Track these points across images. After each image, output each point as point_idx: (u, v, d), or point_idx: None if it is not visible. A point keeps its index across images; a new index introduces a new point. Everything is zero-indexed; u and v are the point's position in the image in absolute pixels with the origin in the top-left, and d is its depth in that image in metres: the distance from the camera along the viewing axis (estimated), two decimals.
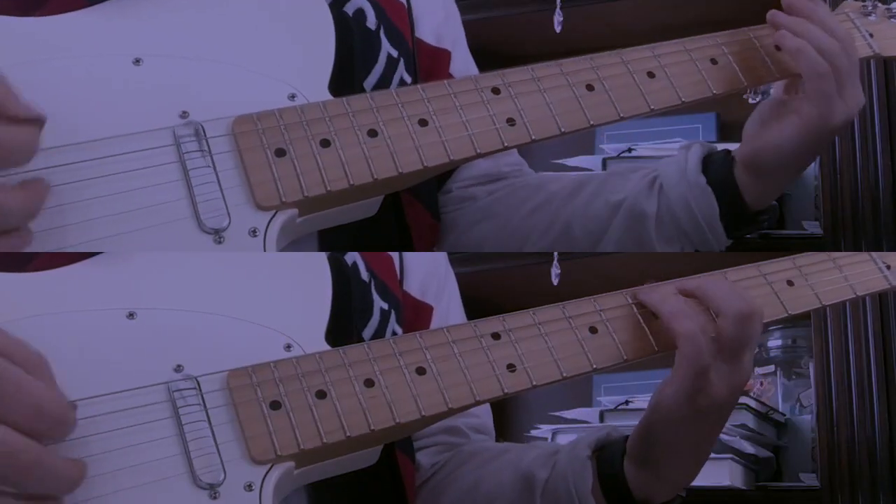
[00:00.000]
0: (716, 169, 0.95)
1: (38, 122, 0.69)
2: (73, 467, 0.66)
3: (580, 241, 1.00)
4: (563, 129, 0.85)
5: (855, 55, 0.93)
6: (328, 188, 0.77)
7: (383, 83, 0.94)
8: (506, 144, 0.83)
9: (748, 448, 1.73)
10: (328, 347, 0.78)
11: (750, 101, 1.86)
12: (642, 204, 0.97)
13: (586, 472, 0.88)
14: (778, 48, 0.94)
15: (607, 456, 0.89)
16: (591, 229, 0.99)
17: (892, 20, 1.01)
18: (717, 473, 1.71)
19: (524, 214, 1.03)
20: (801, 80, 0.93)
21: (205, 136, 0.76)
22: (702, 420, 0.85)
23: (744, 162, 0.94)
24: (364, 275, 0.91)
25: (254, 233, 0.75)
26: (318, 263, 0.84)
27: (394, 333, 0.91)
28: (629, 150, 1.85)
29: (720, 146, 0.99)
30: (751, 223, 0.97)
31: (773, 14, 0.94)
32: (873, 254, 1.02)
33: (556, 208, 1.02)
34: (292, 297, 0.82)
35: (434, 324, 0.99)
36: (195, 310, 0.78)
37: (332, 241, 0.86)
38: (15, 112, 0.68)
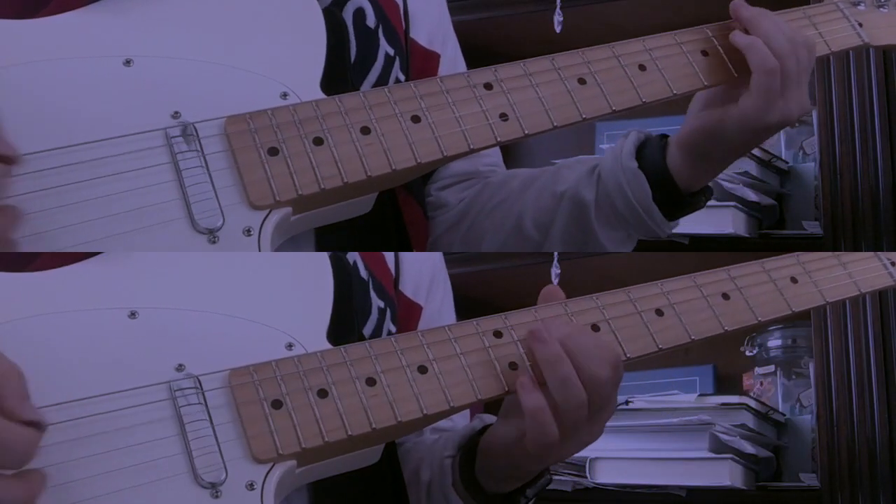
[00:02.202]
0: (649, 153, 0.96)
1: (40, 425, 0.67)
2: (24, 489, 0.65)
3: (530, 234, 1.01)
4: (555, 124, 0.85)
5: (808, 61, 0.92)
6: (322, 186, 0.77)
7: (381, 82, 0.94)
8: (499, 139, 0.83)
9: (748, 448, 1.73)
10: (330, 346, 0.78)
11: (747, 353, 1.88)
12: (582, 192, 0.98)
13: (446, 473, 0.90)
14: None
15: (467, 454, 0.90)
16: (540, 221, 1.01)
17: (882, 9, 1.01)
18: (717, 473, 1.71)
19: (486, 213, 1.04)
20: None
21: (197, 136, 0.76)
22: (547, 461, 0.85)
23: (679, 141, 0.95)
24: (363, 274, 0.91)
25: (248, 232, 0.75)
26: (319, 263, 0.84)
27: (389, 332, 0.92)
28: None
29: None
30: (686, 205, 0.97)
31: (736, 6, 0.94)
32: (879, 253, 1.02)
33: (510, 204, 1.03)
34: (294, 296, 0.82)
35: (422, 323, 0.99)
36: (197, 309, 0.78)
37: (330, 241, 0.86)
38: (19, 413, 0.66)
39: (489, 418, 0.91)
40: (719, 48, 0.93)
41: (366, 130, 0.80)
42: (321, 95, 0.81)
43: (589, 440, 0.83)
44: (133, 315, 0.76)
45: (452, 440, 0.92)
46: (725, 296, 0.91)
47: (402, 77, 0.97)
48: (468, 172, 1.07)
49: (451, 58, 1.08)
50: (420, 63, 1.03)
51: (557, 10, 1.85)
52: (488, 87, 0.84)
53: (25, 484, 0.65)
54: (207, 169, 0.75)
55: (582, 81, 0.87)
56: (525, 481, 0.89)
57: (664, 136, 0.97)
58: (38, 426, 0.66)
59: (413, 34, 1.02)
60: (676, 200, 0.96)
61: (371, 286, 0.91)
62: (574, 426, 0.80)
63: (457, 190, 1.07)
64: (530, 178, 1.04)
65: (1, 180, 0.69)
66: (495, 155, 1.10)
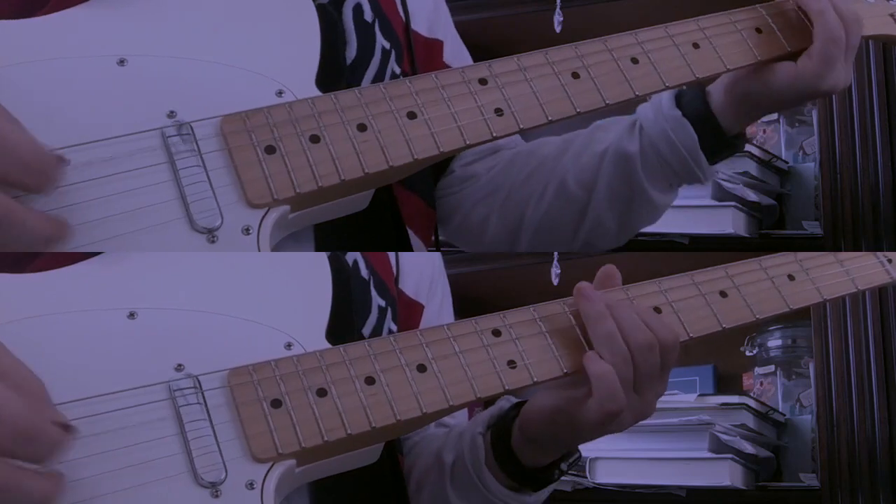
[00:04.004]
0: (689, 102, 0.99)
1: (68, 428, 0.66)
2: (47, 486, 0.64)
3: (575, 193, 1.02)
4: (550, 118, 0.85)
5: (858, 38, 0.95)
6: (319, 184, 0.77)
7: (379, 76, 0.94)
8: (494, 134, 0.83)
9: (748, 448, 1.73)
10: (329, 346, 0.78)
11: (747, 353, 1.89)
12: (625, 146, 1.00)
13: (478, 449, 0.90)
14: (759, 31, 0.96)
15: (499, 429, 0.90)
16: (583, 180, 1.02)
17: (869, 0, 1.01)
18: (717, 473, 1.71)
19: (521, 181, 1.05)
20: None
21: (193, 135, 0.76)
22: (606, 429, 0.85)
23: (726, 87, 0.97)
24: (364, 273, 0.91)
25: (247, 231, 0.74)
26: (317, 262, 0.84)
27: (390, 331, 0.92)
28: None
29: None
30: (728, 147, 1.00)
31: None
32: (877, 253, 1.02)
33: (549, 169, 1.04)
34: (293, 296, 0.82)
35: (424, 322, 0.99)
36: (196, 309, 0.78)
37: (330, 240, 0.86)
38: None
39: (515, 399, 0.91)
40: (710, 41, 0.93)
41: (362, 127, 0.79)
42: (317, 93, 0.81)
43: (645, 411, 0.85)
44: (132, 315, 0.76)
45: (481, 419, 0.92)
46: (723, 293, 0.91)
47: (398, 70, 0.97)
48: (490, 147, 1.08)
49: (453, 42, 1.09)
50: (424, 53, 1.03)
51: (557, 10, 1.85)
52: (483, 82, 0.84)
53: (49, 480, 0.65)
54: (205, 168, 0.75)
55: (575, 75, 0.87)
56: (558, 455, 0.90)
57: (700, 86, 0.99)
58: (66, 429, 0.66)
59: (414, 25, 1.03)
60: (718, 144, 0.99)
61: (372, 285, 0.91)
62: (626, 385, 0.82)
63: (484, 162, 1.08)
64: (564, 142, 1.05)
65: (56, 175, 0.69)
66: None
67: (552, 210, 1.03)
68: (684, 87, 1.00)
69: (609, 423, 0.83)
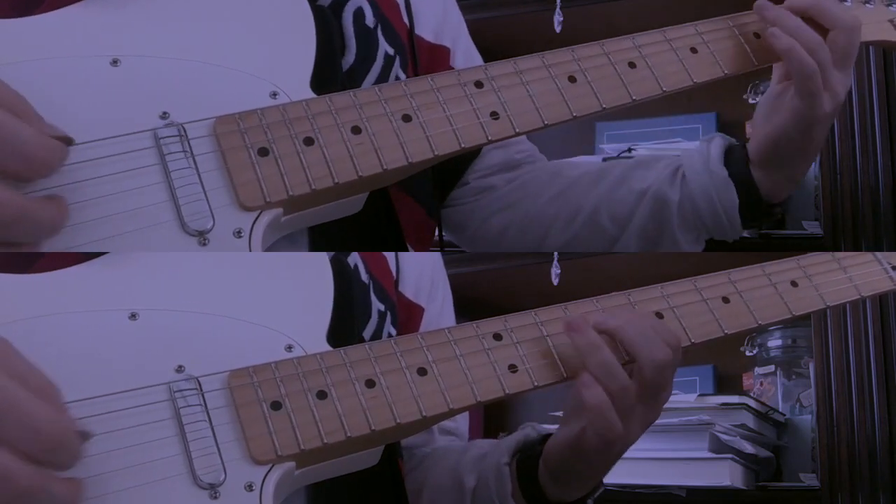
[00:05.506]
0: (735, 162, 0.98)
1: (65, 139, 0.69)
2: (70, 491, 0.64)
3: (607, 227, 1.02)
4: (546, 122, 0.85)
5: (847, 45, 0.94)
6: (313, 187, 0.76)
7: (381, 81, 0.94)
8: (490, 138, 0.83)
9: (748, 448, 1.73)
10: (329, 348, 0.78)
11: (750, 100, 1.87)
12: (666, 192, 1.00)
13: (505, 480, 0.90)
14: (757, 36, 0.95)
15: (525, 461, 0.90)
16: (617, 216, 1.02)
17: (868, 5, 1.01)
18: (717, 473, 1.71)
19: (545, 202, 1.05)
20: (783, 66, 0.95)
21: (186, 137, 0.76)
22: (615, 450, 0.85)
23: (752, 158, 0.97)
24: (364, 277, 0.91)
25: (238, 234, 0.74)
26: (319, 264, 0.84)
27: (389, 335, 0.91)
28: (629, 150, 1.85)
29: None
30: (765, 215, 1.00)
31: (760, 6, 0.96)
32: (877, 254, 1.02)
33: (578, 195, 1.04)
34: (294, 298, 0.81)
35: (424, 325, 0.99)
36: (197, 310, 0.78)
37: (324, 241, 0.85)
38: (45, 128, 0.68)
39: (542, 427, 0.92)
40: (708, 45, 0.93)
41: (356, 130, 0.79)
42: (311, 95, 0.80)
43: (652, 419, 0.85)
44: (133, 316, 0.76)
45: (506, 447, 0.92)
46: (725, 299, 0.91)
47: (402, 75, 0.97)
48: (506, 161, 1.08)
49: (465, 50, 1.09)
50: (427, 59, 1.03)
51: (557, 10, 1.85)
52: (479, 85, 0.84)
53: (71, 485, 0.65)
54: (197, 170, 0.75)
55: (572, 79, 0.87)
56: (589, 487, 0.90)
57: (744, 146, 0.99)
58: (84, 436, 0.66)
59: (418, 31, 1.02)
60: (755, 209, 0.98)
61: (372, 289, 0.91)
62: (627, 411, 0.82)
63: (502, 175, 1.07)
64: (599, 172, 1.05)
65: (61, 164, 0.69)
66: (526, 141, 1.11)
67: (580, 236, 1.03)
68: (735, 142, 1.00)
69: (612, 447, 0.83)
